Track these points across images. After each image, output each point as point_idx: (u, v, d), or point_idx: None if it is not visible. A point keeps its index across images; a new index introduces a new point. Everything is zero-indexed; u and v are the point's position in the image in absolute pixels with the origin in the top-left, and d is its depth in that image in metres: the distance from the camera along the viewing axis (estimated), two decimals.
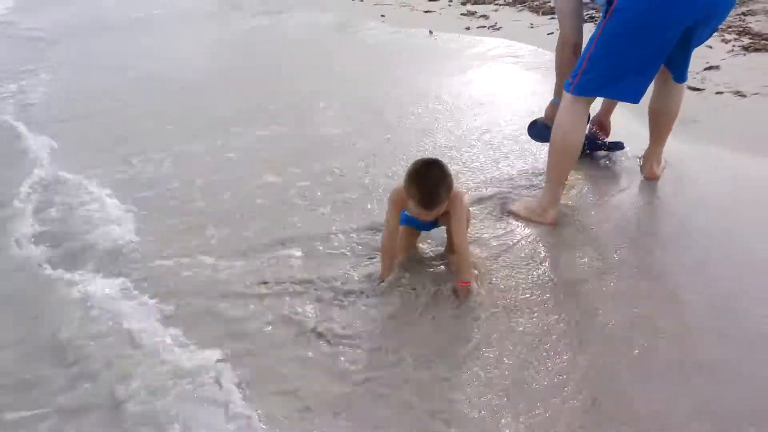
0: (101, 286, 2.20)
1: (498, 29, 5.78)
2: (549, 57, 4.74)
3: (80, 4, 8.28)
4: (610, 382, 1.73)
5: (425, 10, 6.84)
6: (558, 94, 2.62)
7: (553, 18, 5.88)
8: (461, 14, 6.46)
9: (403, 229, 2.22)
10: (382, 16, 6.84)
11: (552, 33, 5.46)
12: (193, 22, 7.16)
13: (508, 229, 2.48)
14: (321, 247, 2.42)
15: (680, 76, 2.51)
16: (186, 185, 3.01)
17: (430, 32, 5.88)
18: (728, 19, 5.65)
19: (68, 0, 8.46)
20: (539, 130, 2.87)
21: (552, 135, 2.38)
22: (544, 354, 1.83)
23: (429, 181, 1.93)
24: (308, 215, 2.67)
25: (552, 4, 5.38)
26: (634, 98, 2.24)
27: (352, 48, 5.65)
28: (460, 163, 3.09)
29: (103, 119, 4.03)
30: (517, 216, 2.53)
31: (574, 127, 2.34)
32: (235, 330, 1.99)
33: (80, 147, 3.58)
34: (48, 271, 2.36)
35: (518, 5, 6.56)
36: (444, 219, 2.20)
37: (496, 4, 6.72)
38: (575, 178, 2.85)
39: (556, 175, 2.44)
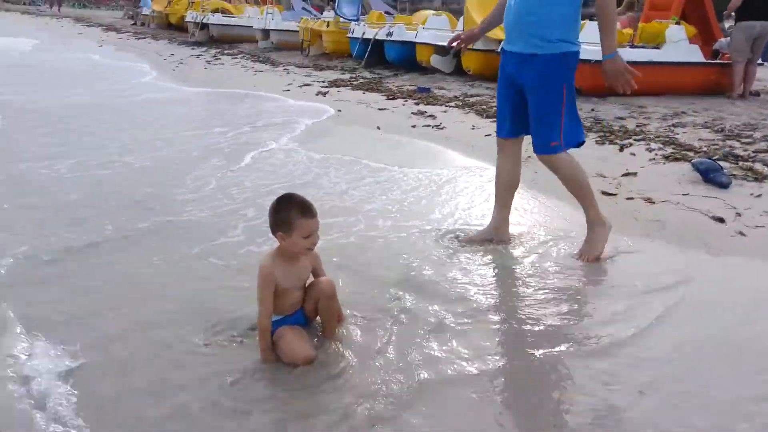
0: None
1: (441, 128, 6.05)
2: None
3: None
4: None
5: (380, 107, 7.18)
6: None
7: (493, 121, 6.18)
8: (411, 113, 6.78)
9: (284, 333, 2.20)
10: (339, 110, 7.17)
11: (489, 135, 5.72)
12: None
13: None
14: None
15: (535, 146, 2.87)
16: None
17: (378, 128, 6.17)
18: (658, 128, 5.99)
19: None
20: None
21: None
22: None
23: (297, 197, 2.14)
24: None
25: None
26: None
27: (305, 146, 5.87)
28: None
29: None
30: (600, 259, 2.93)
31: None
32: None
33: None
34: None
35: (466, 108, 6.91)
36: (311, 308, 2.27)
37: (447, 106, 7.08)
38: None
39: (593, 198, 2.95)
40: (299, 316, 2.28)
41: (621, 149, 5.13)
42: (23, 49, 14.44)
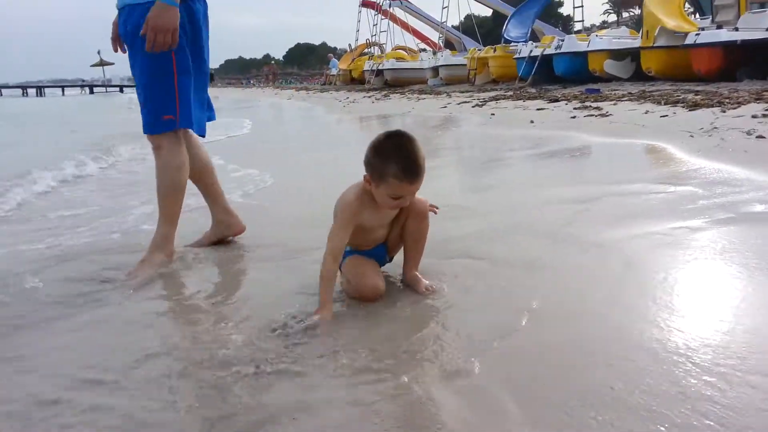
0: None
1: (606, 116, 5.18)
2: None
3: None
4: None
5: (538, 108, 6.48)
6: None
7: (674, 107, 5.13)
8: (574, 108, 5.97)
9: (355, 261, 1.69)
10: (492, 114, 6.63)
11: (666, 116, 4.72)
12: None
13: None
14: None
15: (143, 124, 2.03)
16: None
17: (531, 122, 5.51)
18: None
19: None
20: None
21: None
22: None
23: (410, 147, 1.50)
24: None
25: None
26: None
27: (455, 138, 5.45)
28: None
29: None
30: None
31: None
32: None
33: None
34: None
35: (641, 100, 5.90)
36: (395, 240, 1.74)
37: (619, 100, 6.13)
38: None
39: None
40: (380, 250, 1.76)
41: None
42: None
